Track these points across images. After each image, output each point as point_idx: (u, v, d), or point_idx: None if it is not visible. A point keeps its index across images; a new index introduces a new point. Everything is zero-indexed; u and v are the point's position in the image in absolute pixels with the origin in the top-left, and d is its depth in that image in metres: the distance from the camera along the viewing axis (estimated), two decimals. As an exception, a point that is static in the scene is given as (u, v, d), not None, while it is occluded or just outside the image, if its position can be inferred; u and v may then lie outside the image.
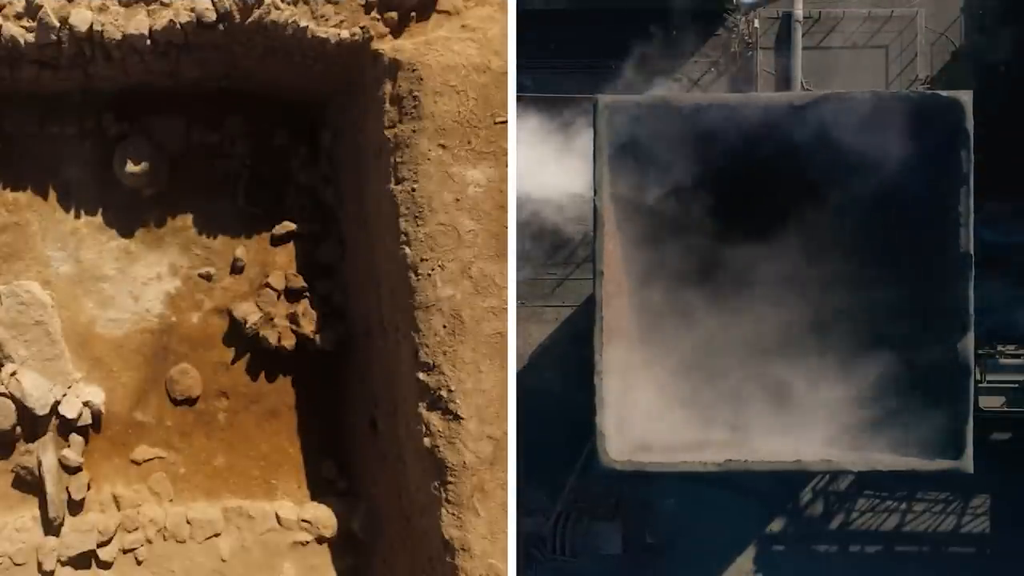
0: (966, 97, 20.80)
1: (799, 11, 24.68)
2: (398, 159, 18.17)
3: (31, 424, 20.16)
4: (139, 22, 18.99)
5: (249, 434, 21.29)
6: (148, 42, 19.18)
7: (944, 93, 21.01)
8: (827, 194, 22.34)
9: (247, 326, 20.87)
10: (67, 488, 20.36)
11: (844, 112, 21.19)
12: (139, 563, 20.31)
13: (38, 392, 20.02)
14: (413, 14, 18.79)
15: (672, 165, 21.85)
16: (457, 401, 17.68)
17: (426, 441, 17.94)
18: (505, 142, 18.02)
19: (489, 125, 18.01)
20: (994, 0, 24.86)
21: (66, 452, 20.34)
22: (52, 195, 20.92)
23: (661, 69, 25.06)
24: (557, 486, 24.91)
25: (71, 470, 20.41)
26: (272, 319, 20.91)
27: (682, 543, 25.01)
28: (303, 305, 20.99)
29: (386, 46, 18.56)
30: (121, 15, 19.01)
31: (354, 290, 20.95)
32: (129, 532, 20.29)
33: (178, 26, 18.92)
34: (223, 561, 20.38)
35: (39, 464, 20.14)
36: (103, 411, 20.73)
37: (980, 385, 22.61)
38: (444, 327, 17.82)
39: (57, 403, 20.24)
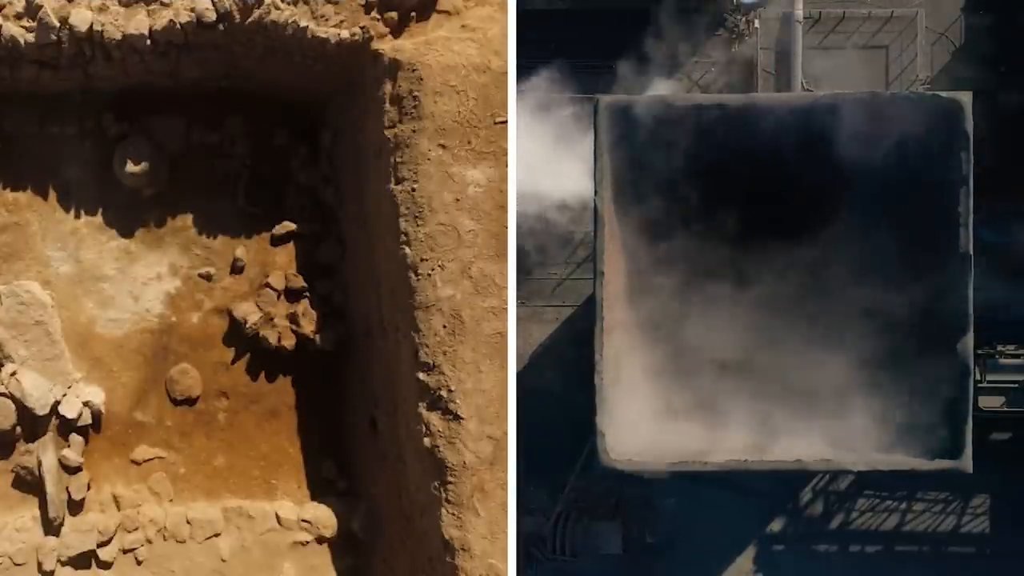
0: (966, 98, 20.81)
1: (799, 11, 24.65)
2: (398, 159, 18.17)
3: (31, 424, 20.16)
4: (139, 22, 18.99)
5: (249, 434, 21.29)
6: (148, 42, 19.18)
7: (944, 94, 21.02)
8: (827, 194, 22.33)
9: (247, 326, 20.87)
10: (67, 488, 20.36)
11: (844, 113, 21.18)
12: (139, 563, 20.31)
13: (38, 392, 20.02)
14: (413, 14, 18.78)
15: (672, 165, 21.86)
16: (457, 401, 17.69)
17: (426, 441, 17.94)
18: (505, 142, 18.02)
19: (489, 125, 18.01)
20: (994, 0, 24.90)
21: (66, 452, 20.34)
22: (52, 195, 20.93)
23: (661, 69, 25.05)
24: (557, 486, 24.91)
25: (71, 470, 20.41)
26: (272, 319, 20.91)
27: (682, 543, 25.01)
28: (303, 305, 20.98)
29: (386, 46, 18.56)
30: (121, 15, 19.01)
31: (354, 290, 20.95)
32: (129, 532, 20.29)
33: (178, 26, 18.92)
34: (223, 561, 20.38)
35: (39, 464, 20.14)
36: (103, 411, 20.73)
37: (980, 385, 22.62)
38: (444, 327, 17.82)
39: (57, 403, 20.24)
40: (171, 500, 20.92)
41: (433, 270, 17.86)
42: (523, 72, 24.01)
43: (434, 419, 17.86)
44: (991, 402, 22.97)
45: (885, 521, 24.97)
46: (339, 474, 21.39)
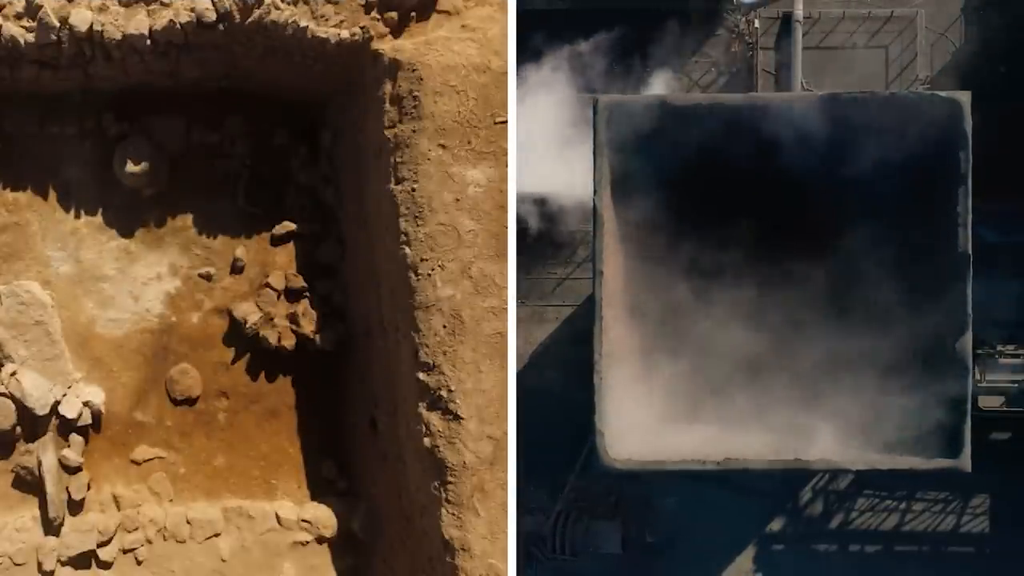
0: (965, 98, 20.82)
1: (799, 11, 24.64)
2: (398, 159, 18.18)
3: (31, 424, 20.16)
4: (139, 22, 18.99)
5: (249, 434, 21.30)
6: (148, 42, 19.18)
7: (943, 93, 21.03)
8: (826, 194, 22.34)
9: (247, 326, 20.88)
10: (67, 488, 20.37)
11: (844, 113, 21.19)
12: (139, 563, 20.32)
13: (38, 392, 20.03)
14: (413, 14, 18.79)
15: (671, 164, 21.86)
16: (457, 401, 17.69)
17: (426, 441, 17.94)
18: (505, 142, 18.03)
19: (489, 125, 18.02)
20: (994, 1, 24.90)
21: (66, 452, 20.34)
22: (52, 195, 20.93)
23: (661, 69, 25.05)
24: (557, 485, 24.90)
25: (71, 470, 20.41)
26: (272, 319, 20.91)
27: (682, 542, 25.01)
28: (303, 305, 20.99)
29: (386, 46, 18.56)
30: (121, 15, 19.01)
31: (354, 290, 20.96)
32: (129, 532, 20.30)
33: (178, 26, 18.92)
34: (223, 561, 20.39)
35: (39, 464, 20.15)
36: (103, 411, 20.73)
37: (980, 385, 22.61)
38: (444, 327, 17.83)
39: (57, 403, 20.24)
40: (171, 500, 20.92)
41: (433, 270, 17.87)
42: (523, 72, 24.02)
43: (434, 419, 17.87)
44: (991, 402, 22.96)
45: (885, 521, 24.96)
46: (339, 474, 21.40)
